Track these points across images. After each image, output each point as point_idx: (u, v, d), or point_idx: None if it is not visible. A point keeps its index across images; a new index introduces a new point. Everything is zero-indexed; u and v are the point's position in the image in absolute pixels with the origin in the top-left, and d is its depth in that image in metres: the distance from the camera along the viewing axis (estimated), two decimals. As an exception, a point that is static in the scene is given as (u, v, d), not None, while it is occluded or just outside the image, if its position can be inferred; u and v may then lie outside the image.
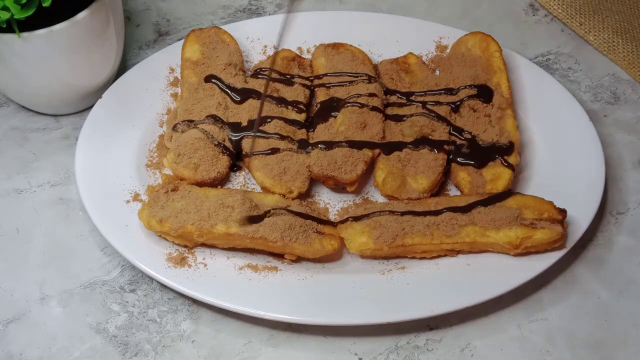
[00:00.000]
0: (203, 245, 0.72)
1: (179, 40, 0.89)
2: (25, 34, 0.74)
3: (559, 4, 0.98)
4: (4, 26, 0.74)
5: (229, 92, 0.82)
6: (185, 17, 0.99)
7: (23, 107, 0.88)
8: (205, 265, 0.71)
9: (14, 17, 0.72)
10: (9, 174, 0.82)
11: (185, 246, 0.72)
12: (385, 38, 0.91)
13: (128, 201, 0.76)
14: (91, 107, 0.83)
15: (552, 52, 0.95)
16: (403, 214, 0.73)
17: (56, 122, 0.86)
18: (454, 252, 0.72)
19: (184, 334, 0.70)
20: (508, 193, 0.75)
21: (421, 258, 0.72)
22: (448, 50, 0.89)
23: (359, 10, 1.00)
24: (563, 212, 0.72)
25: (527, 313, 0.72)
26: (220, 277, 0.70)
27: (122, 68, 0.90)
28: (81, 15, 0.76)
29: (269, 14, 0.99)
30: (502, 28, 0.98)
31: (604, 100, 0.90)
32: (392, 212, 0.73)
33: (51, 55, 0.76)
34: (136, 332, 0.70)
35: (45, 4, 0.72)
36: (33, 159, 0.83)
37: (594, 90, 0.91)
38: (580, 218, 0.73)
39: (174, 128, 0.80)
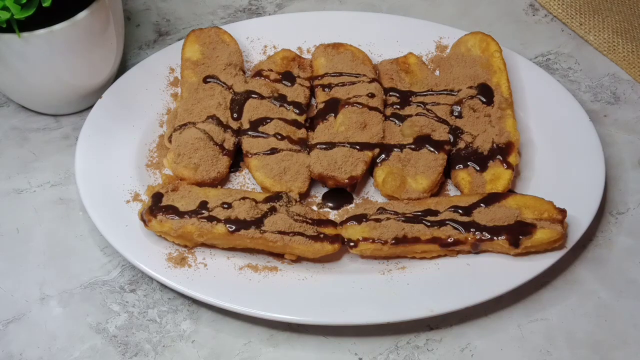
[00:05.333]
0: (203, 245, 0.72)
1: (179, 40, 0.89)
2: (25, 34, 0.74)
3: (559, 4, 0.98)
4: (4, 26, 0.74)
5: (229, 106, 0.82)
6: (185, 17, 0.99)
7: (23, 107, 0.88)
8: (205, 265, 0.71)
9: (14, 17, 0.72)
10: (9, 174, 0.82)
11: (185, 246, 0.72)
12: (385, 38, 0.91)
13: (128, 201, 0.75)
14: (91, 107, 0.83)
15: (552, 52, 0.95)
16: (403, 214, 0.73)
17: (56, 122, 0.86)
18: (454, 252, 0.72)
19: (184, 334, 0.70)
20: (508, 193, 0.75)
21: (421, 258, 0.72)
22: (448, 50, 0.89)
23: (359, 10, 1.00)
24: (563, 212, 0.72)
25: (527, 313, 0.72)
26: (220, 277, 0.70)
27: (122, 68, 0.90)
28: (81, 15, 0.76)
29: (269, 14, 0.99)
30: (502, 28, 0.98)
31: (604, 100, 0.89)
32: (392, 213, 0.73)
33: (51, 55, 0.76)
34: (136, 332, 0.70)
35: (45, 4, 0.72)
36: (33, 159, 0.83)
37: (594, 90, 0.91)
38: (580, 218, 0.73)
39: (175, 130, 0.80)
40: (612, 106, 0.89)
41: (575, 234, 0.73)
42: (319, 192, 0.80)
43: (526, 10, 1.00)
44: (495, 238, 0.70)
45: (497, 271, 0.70)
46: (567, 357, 0.69)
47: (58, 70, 0.79)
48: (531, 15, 1.00)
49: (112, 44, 0.83)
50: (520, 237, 0.70)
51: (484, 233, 0.71)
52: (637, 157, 0.84)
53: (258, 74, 0.85)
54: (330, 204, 0.79)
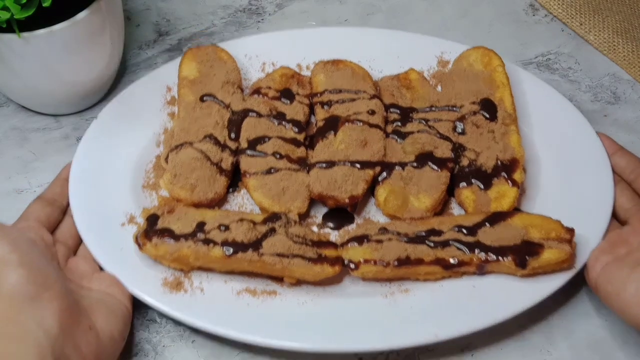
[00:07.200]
0: (200, 268, 0.70)
1: (179, 40, 0.89)
2: (25, 34, 0.73)
3: (559, 4, 0.98)
4: (4, 26, 0.73)
5: (227, 125, 0.80)
6: (185, 17, 0.98)
7: (23, 107, 0.87)
8: (202, 289, 0.69)
9: (14, 17, 0.71)
10: (9, 174, 0.81)
11: (182, 270, 0.70)
12: (386, 54, 0.89)
13: (123, 224, 0.73)
14: (91, 107, 0.83)
15: (552, 52, 0.94)
16: (406, 234, 0.71)
17: (56, 122, 0.86)
18: (458, 273, 0.70)
19: (184, 334, 0.69)
20: (513, 212, 0.73)
21: (425, 280, 0.70)
22: (450, 66, 0.88)
23: (359, 9, 0.99)
24: (571, 231, 0.70)
25: (527, 313, 0.69)
26: (218, 303, 0.68)
27: (122, 68, 0.90)
28: (81, 15, 0.75)
29: (269, 14, 0.98)
30: (502, 28, 0.98)
31: (604, 100, 0.89)
32: (394, 233, 0.71)
33: (51, 55, 0.76)
34: (136, 332, 0.69)
35: (45, 4, 0.72)
36: (33, 159, 0.82)
37: (594, 90, 0.90)
38: (589, 237, 0.71)
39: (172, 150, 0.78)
40: (612, 106, 0.88)
41: (584, 253, 0.70)
42: (319, 212, 0.77)
43: (526, 10, 1.00)
44: (501, 259, 0.68)
45: (504, 293, 0.68)
46: (567, 357, 0.68)
47: (58, 70, 0.78)
48: (531, 15, 0.99)
49: (112, 44, 0.82)
50: (527, 257, 0.67)
51: (489, 254, 0.68)
52: (637, 157, 0.82)
53: (256, 91, 0.84)
54: (330, 224, 0.77)
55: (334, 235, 0.76)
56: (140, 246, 0.69)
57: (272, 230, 0.70)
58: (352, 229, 0.76)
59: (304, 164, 0.78)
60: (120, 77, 0.90)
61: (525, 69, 0.91)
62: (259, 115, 0.81)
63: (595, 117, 0.86)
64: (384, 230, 0.72)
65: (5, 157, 0.83)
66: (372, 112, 0.80)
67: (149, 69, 0.92)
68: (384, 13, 0.99)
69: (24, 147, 0.84)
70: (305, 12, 1.01)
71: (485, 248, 0.69)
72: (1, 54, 0.75)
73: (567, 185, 0.76)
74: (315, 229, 0.76)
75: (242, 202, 0.78)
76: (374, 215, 0.77)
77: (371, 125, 0.79)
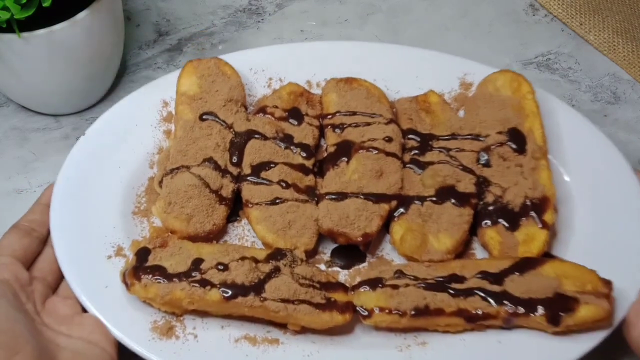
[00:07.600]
0: (194, 311, 0.63)
1: (179, 40, 0.88)
2: (25, 34, 0.73)
3: (559, 4, 0.97)
4: (4, 26, 0.72)
5: (229, 148, 0.73)
6: (185, 17, 0.97)
7: (23, 107, 0.86)
8: (196, 336, 0.62)
9: (14, 17, 0.71)
10: (9, 174, 0.80)
11: (174, 313, 0.63)
12: (403, 72, 0.82)
13: (110, 256, 0.66)
14: (91, 107, 0.82)
15: (552, 52, 0.94)
16: (424, 279, 0.64)
17: (56, 122, 0.85)
18: (482, 327, 0.63)
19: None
20: (544, 258, 0.66)
21: (444, 332, 0.63)
22: (473, 89, 0.80)
23: (359, 9, 0.97)
24: (608, 284, 0.63)
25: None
26: (213, 352, 0.61)
27: (122, 68, 0.89)
28: (81, 15, 0.75)
29: (269, 14, 0.96)
30: (502, 28, 0.97)
31: (604, 100, 0.88)
32: (411, 277, 0.64)
33: (51, 55, 0.76)
34: None
35: (45, 4, 0.71)
36: (33, 159, 0.82)
37: (594, 90, 0.89)
38: (628, 290, 0.64)
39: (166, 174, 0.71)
40: (612, 106, 0.88)
41: (622, 307, 0.63)
42: (327, 248, 0.70)
43: (526, 10, 0.99)
44: (531, 314, 0.61)
45: (532, 352, 0.61)
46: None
47: (58, 70, 0.78)
48: (531, 15, 0.99)
49: (112, 43, 0.82)
50: (561, 313, 0.60)
51: (518, 307, 0.61)
52: (637, 156, 0.81)
53: (262, 110, 0.76)
54: (339, 262, 0.69)
55: (344, 274, 0.68)
56: (127, 286, 0.62)
57: (276, 270, 0.63)
58: (363, 267, 0.69)
59: (312, 195, 0.71)
60: (120, 77, 0.89)
61: (525, 68, 0.90)
62: (264, 137, 0.74)
63: (595, 117, 0.85)
64: (400, 273, 0.65)
65: (5, 157, 0.82)
66: (389, 139, 0.73)
67: (149, 70, 0.90)
68: (384, 13, 0.98)
69: (24, 147, 0.83)
70: (305, 12, 0.99)
71: (514, 300, 0.62)
72: (1, 54, 0.74)
73: (601, 229, 0.69)
74: (322, 266, 0.69)
75: (243, 233, 0.71)
76: (388, 253, 0.70)
77: (387, 154, 0.72)
